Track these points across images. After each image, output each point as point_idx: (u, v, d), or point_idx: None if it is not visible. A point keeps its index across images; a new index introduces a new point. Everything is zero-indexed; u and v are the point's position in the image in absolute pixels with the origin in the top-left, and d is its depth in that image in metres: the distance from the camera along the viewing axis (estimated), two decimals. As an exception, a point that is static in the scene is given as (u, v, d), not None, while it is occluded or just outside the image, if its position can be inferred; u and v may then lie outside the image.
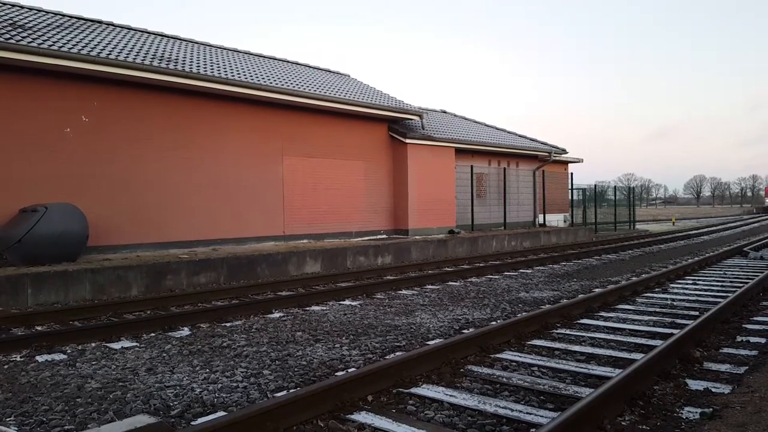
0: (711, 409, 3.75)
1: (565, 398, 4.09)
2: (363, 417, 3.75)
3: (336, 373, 4.74)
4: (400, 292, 9.42)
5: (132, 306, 8.12)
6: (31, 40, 10.51)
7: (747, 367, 4.75)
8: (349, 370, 4.77)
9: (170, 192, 12.57)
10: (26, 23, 11.78)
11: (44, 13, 13.57)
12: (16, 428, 3.70)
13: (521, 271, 12.12)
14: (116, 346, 5.95)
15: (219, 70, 13.42)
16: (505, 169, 21.82)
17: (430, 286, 9.98)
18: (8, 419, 3.84)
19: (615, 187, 30.73)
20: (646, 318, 6.87)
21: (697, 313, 7.05)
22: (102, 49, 11.50)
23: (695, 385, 4.34)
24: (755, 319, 6.71)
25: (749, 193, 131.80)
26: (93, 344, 6.03)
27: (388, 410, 3.90)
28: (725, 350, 5.34)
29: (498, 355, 5.25)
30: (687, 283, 9.72)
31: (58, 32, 11.89)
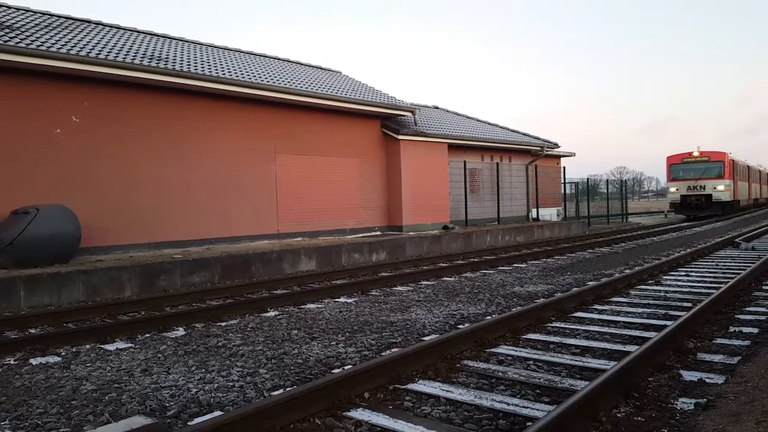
0: (705, 400, 3.78)
1: (561, 391, 4.10)
2: (360, 414, 3.76)
3: (332, 371, 4.74)
4: (395, 288, 9.42)
5: (126, 307, 8.08)
6: (19, 40, 10.41)
7: (740, 357, 4.79)
8: (346, 368, 4.77)
9: (162, 192, 12.51)
10: (14, 23, 11.67)
11: (32, 13, 13.45)
12: (11, 432, 3.68)
13: (515, 265, 12.15)
14: (111, 347, 5.93)
15: (210, 69, 13.35)
16: (498, 164, 21.85)
17: (425, 282, 9.99)
18: (3, 423, 3.82)
19: (607, 180, 30.96)
20: (640, 310, 6.91)
21: (690, 304, 7.09)
22: (91, 49, 11.41)
23: (689, 376, 4.37)
24: (747, 309, 6.75)
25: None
26: (87, 346, 6.00)
27: (385, 407, 3.91)
28: (718, 341, 5.37)
29: (493, 350, 5.26)
30: (680, 275, 9.78)
31: (47, 32, 11.79)
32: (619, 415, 3.63)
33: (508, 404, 3.87)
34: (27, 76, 10.67)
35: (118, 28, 15.13)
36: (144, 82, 11.93)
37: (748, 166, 37.49)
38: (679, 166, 31.43)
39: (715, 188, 29.57)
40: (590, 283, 9.12)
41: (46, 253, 9.69)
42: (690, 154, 31.02)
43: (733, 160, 31.52)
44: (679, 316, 6.11)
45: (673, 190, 31.54)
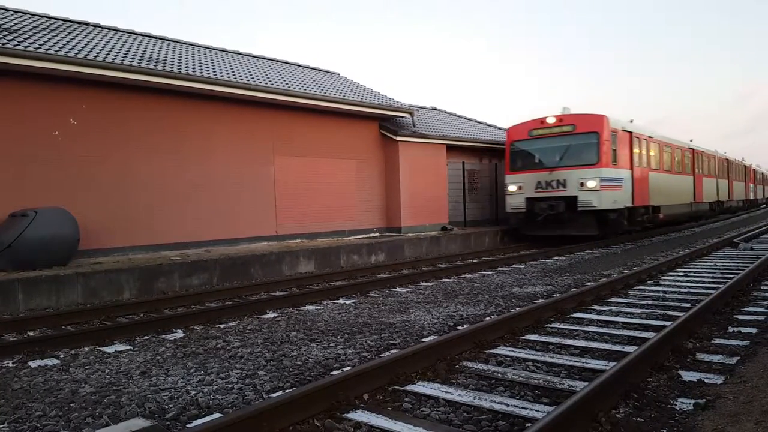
0: (704, 400, 3.78)
1: (560, 392, 4.11)
2: (359, 415, 3.75)
3: (331, 373, 4.74)
4: (394, 289, 9.42)
5: (125, 309, 8.07)
6: (17, 43, 10.40)
7: (739, 358, 4.79)
8: (345, 369, 4.77)
9: (161, 194, 12.50)
10: (11, 26, 11.65)
11: (30, 16, 13.43)
12: (10, 435, 3.67)
13: (514, 266, 12.15)
14: (110, 349, 5.92)
15: (208, 71, 13.35)
16: (496, 165, 21.85)
17: (423, 283, 9.99)
18: (1, 426, 3.81)
19: (605, 181, 30.68)
20: (639, 311, 6.91)
21: (689, 304, 7.09)
22: (89, 52, 11.41)
23: (688, 376, 4.37)
24: (746, 309, 6.76)
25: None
26: (86, 348, 5.99)
27: (384, 408, 3.90)
28: (717, 341, 5.38)
29: (493, 351, 5.26)
30: (678, 275, 9.79)
31: (45, 35, 11.78)
32: (618, 415, 3.63)
33: (508, 405, 3.87)
34: (25, 79, 10.65)
35: (116, 30, 15.12)
36: (141, 84, 11.92)
37: (692, 150, 23.16)
38: (524, 143, 16.79)
39: (582, 185, 15.34)
40: (589, 283, 9.12)
41: (45, 256, 9.67)
42: (543, 120, 16.36)
43: (630, 133, 16.91)
44: (678, 316, 6.11)
45: (513, 189, 16.69)
